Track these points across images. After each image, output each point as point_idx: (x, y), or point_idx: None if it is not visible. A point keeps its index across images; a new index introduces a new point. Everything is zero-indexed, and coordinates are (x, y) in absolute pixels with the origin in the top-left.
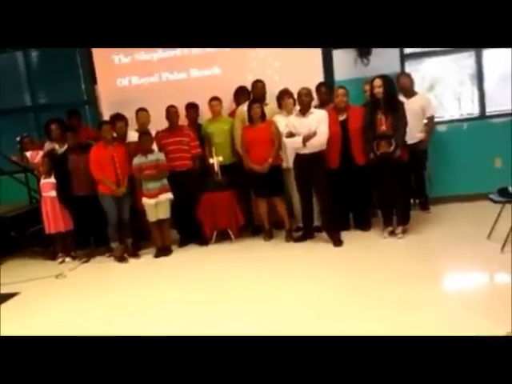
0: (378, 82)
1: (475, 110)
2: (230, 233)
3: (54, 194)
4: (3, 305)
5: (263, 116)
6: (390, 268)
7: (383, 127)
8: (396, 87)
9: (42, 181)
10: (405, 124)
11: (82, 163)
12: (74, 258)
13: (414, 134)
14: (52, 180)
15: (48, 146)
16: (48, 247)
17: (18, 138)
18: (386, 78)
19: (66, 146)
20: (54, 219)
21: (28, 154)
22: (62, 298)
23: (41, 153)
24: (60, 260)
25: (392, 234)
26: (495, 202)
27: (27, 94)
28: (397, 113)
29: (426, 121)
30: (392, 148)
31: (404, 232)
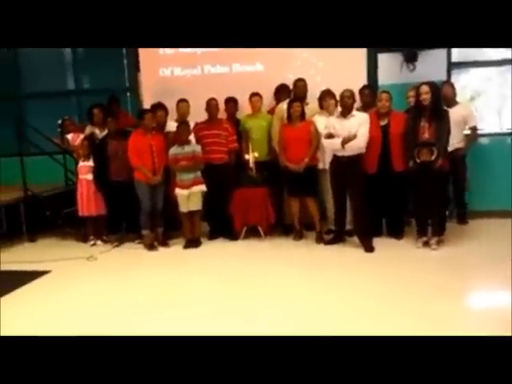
0: (425, 88)
1: None
2: (260, 230)
3: (90, 177)
4: (35, 281)
5: (303, 115)
6: (420, 280)
7: (426, 135)
8: (441, 95)
9: (80, 163)
10: (448, 133)
11: (120, 149)
12: (105, 241)
13: (454, 144)
14: (90, 163)
15: (89, 129)
16: (80, 229)
17: (60, 121)
18: (433, 85)
19: (106, 131)
20: (88, 202)
21: (69, 136)
22: (91, 278)
23: (81, 136)
24: (92, 243)
25: (426, 244)
26: None
27: (71, 78)
28: (441, 121)
29: (468, 131)
30: (434, 157)
31: (438, 243)
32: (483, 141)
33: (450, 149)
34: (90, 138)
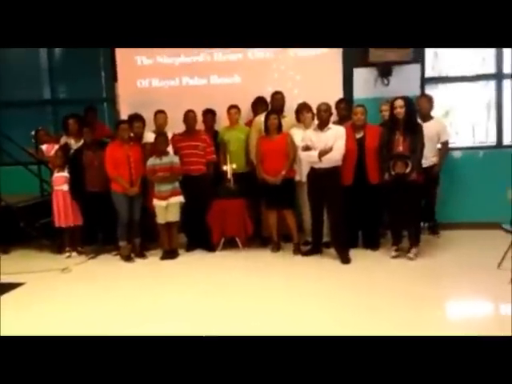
0: (400, 102)
1: (490, 139)
2: (238, 241)
3: (66, 187)
4: (8, 293)
5: (280, 128)
6: (396, 289)
7: (400, 148)
8: (416, 109)
9: (55, 174)
10: (422, 147)
11: (96, 160)
12: (80, 253)
13: (428, 158)
14: (65, 174)
15: (63, 140)
16: (56, 240)
17: (33, 132)
18: (408, 100)
19: (81, 142)
20: (65, 213)
21: (44, 147)
22: (65, 291)
23: (56, 146)
24: (67, 254)
25: (397, 251)
26: (507, 231)
27: (47, 87)
28: (415, 135)
29: (439, 146)
30: (408, 169)
31: (416, 254)
32: (456, 154)
33: (425, 162)
34: (65, 148)
